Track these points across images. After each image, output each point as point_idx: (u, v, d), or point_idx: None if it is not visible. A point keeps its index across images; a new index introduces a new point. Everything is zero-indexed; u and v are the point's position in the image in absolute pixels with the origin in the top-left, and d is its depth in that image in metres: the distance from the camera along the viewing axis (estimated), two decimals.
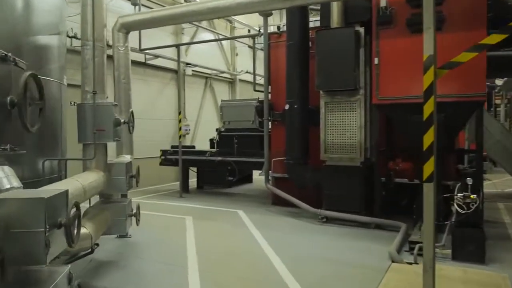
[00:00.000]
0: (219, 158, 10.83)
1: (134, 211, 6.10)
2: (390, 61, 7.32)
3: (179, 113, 11.15)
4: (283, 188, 9.10)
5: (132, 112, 6.18)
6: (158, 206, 9.87)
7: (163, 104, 13.57)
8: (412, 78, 6.58)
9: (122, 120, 5.46)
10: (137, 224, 6.33)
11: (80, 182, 4.22)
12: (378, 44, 7.38)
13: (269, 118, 9.39)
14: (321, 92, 8.04)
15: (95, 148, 5.19)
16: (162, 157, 11.97)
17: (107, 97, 5.72)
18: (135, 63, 12.83)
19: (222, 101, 11.35)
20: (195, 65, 14.51)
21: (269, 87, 9.66)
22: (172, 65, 14.15)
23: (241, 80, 18.10)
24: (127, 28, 7.26)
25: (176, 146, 12.27)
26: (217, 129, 12.23)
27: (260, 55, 20.36)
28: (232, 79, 17.76)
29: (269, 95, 9.59)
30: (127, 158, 7.19)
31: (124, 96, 7.06)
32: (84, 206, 4.90)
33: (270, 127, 9.71)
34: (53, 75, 5.48)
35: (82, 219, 4.67)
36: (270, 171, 9.38)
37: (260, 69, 20.25)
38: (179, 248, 6.35)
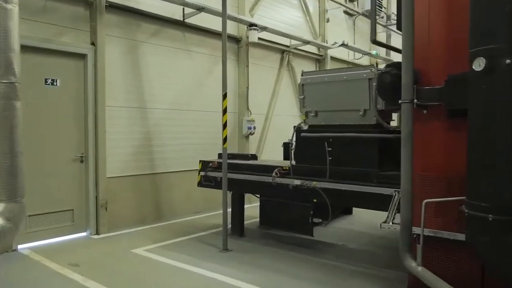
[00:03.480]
0: (296, 182, 5.66)
1: None
2: None
3: (224, 96, 6.15)
4: (451, 267, 3.70)
5: None
6: (166, 282, 4.96)
7: (215, 88, 8.68)
8: None
9: None
10: None
11: None
12: None
13: (414, 101, 3.98)
14: None
15: None
16: (202, 173, 7.10)
17: None
18: (167, 21, 8.13)
19: (303, 73, 6.17)
20: (263, 28, 9.42)
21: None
22: (229, 27, 9.23)
23: (333, 58, 12.70)
24: None
25: (232, 153, 7.42)
26: (295, 127, 7.10)
27: (359, 25, 14.77)
28: (321, 55, 12.39)
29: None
30: None
31: None
32: None
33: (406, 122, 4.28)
34: None
35: None
36: (410, 224, 3.98)
37: (360, 42, 14.59)
38: None
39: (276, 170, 5.92)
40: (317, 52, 12.30)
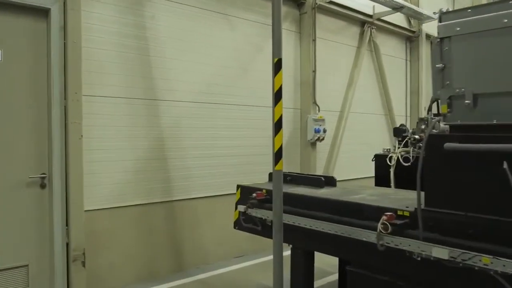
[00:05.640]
0: (437, 253, 2.53)
1: None
2: None
3: (276, 66, 3.13)
4: None
5: None
6: None
7: (268, 73, 5.70)
8: None
9: None
10: None
11: None
12: None
13: None
14: None
15: None
16: (241, 210, 4.15)
17: None
18: None
19: (442, 15, 2.99)
20: None
21: None
22: None
23: (428, 37, 9.30)
24: None
25: (291, 174, 4.56)
26: (402, 129, 4.01)
27: None
28: (413, 31, 9.04)
29: None
30: None
31: None
32: None
33: None
34: None
35: None
36: None
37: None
38: None
39: (384, 217, 2.82)
40: (407, 27, 8.97)
